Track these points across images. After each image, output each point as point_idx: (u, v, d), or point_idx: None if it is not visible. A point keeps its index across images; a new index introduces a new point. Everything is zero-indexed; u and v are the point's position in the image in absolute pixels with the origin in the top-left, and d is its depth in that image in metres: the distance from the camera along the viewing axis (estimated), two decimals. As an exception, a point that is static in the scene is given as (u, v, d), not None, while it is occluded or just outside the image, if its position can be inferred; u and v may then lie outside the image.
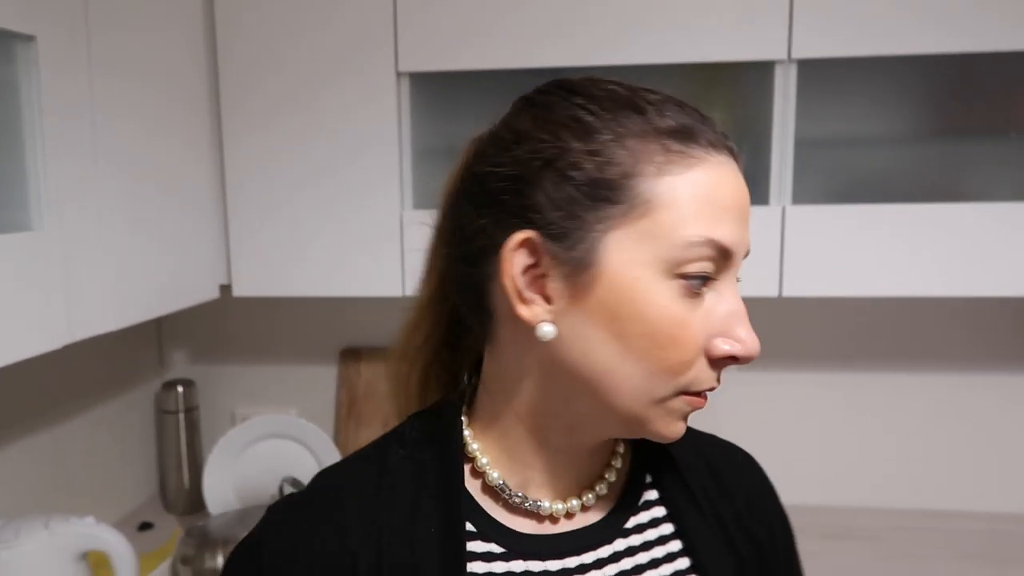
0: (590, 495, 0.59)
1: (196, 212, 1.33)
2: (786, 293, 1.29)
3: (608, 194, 0.50)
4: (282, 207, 1.37)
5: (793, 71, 1.26)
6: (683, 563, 0.59)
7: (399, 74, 1.32)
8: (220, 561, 1.34)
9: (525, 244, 0.52)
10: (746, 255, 0.54)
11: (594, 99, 0.53)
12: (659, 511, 0.61)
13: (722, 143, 0.53)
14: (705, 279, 0.51)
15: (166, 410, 1.69)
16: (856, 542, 1.56)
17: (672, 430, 0.54)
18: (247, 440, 1.54)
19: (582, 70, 1.24)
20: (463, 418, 0.60)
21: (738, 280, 0.54)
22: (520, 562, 0.56)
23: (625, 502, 0.60)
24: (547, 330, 0.51)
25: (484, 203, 0.54)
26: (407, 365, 0.64)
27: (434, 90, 1.36)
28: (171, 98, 1.26)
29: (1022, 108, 1.33)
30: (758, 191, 1.29)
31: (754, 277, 1.27)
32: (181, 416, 1.70)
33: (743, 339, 0.52)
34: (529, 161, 0.52)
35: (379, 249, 1.36)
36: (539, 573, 0.56)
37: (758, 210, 1.28)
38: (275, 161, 1.35)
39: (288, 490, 1.49)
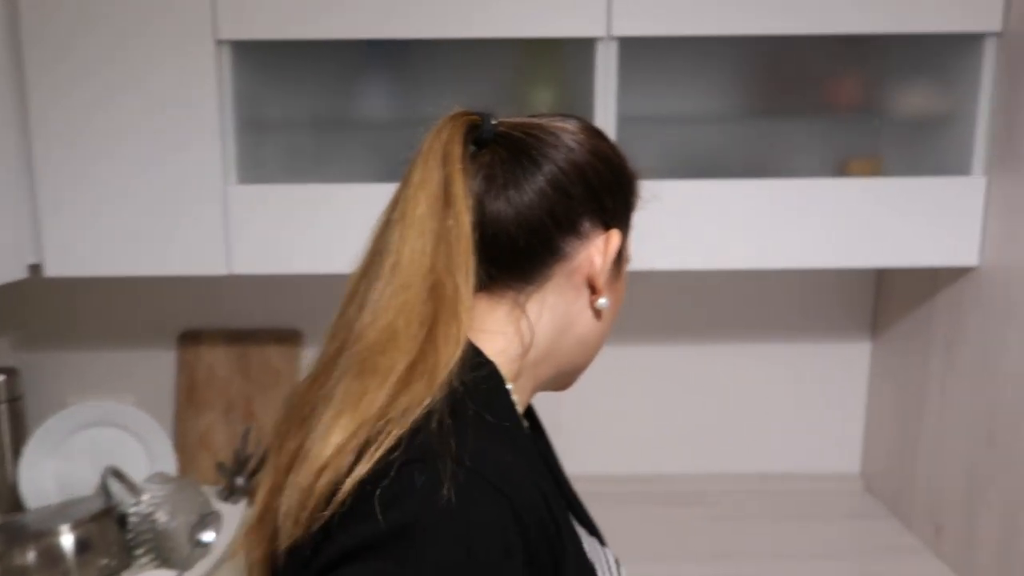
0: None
1: (-6, 185, 1.24)
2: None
3: (631, 213, 0.75)
4: (96, 182, 1.29)
5: (614, 48, 1.28)
6: None
7: (219, 42, 1.27)
8: (32, 557, 1.27)
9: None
10: None
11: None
12: None
13: None
14: None
15: (-15, 400, 1.58)
16: (691, 507, 1.64)
17: None
18: (68, 429, 1.46)
19: (406, 43, 1.24)
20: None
21: None
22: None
23: None
24: (604, 302, 0.71)
25: (582, 193, 0.68)
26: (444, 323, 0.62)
27: (263, 60, 1.32)
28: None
29: (834, 89, 1.41)
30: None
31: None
32: (3, 406, 1.59)
33: None
34: (620, 180, 0.72)
35: (202, 225, 1.31)
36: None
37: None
38: (88, 132, 1.28)
39: (112, 482, 1.42)
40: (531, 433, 0.76)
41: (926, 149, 1.43)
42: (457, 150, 0.65)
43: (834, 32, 1.27)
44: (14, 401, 1.60)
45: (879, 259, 1.35)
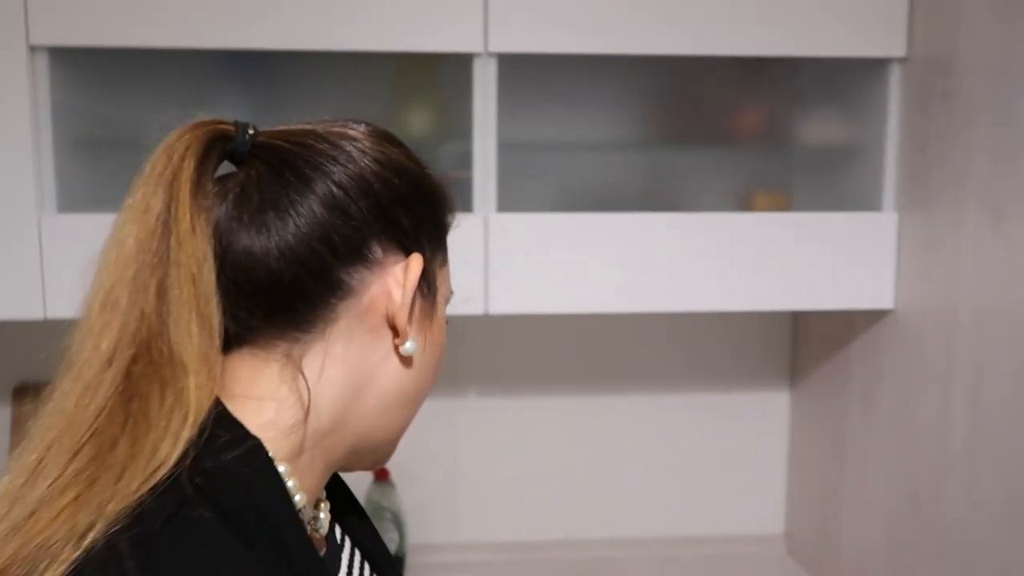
0: (322, 515, 0.60)
1: None
2: (492, 310, 1.18)
3: (442, 242, 0.60)
4: None
5: (493, 66, 1.15)
6: (358, 555, 0.64)
7: (32, 48, 1.09)
8: None
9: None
10: None
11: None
12: (338, 528, 0.64)
13: None
14: None
15: None
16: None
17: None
18: None
19: (266, 56, 1.08)
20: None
21: None
22: None
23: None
24: (410, 346, 0.55)
25: (368, 209, 0.53)
26: (197, 391, 0.47)
27: (89, 69, 1.15)
28: None
29: (739, 116, 1.31)
30: (462, 197, 1.17)
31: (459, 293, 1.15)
32: None
33: None
34: (418, 194, 0.56)
35: (11, 261, 1.11)
36: None
37: (461, 219, 1.16)
38: None
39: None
40: (324, 530, 0.60)
41: (835, 182, 1.33)
42: (188, 167, 0.49)
43: (735, 54, 1.17)
44: None
45: (790, 302, 1.24)
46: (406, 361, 0.56)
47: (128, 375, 0.46)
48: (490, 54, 1.14)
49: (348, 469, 0.60)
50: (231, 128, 0.52)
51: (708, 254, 1.19)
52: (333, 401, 0.54)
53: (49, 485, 0.42)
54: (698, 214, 1.19)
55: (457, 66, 1.16)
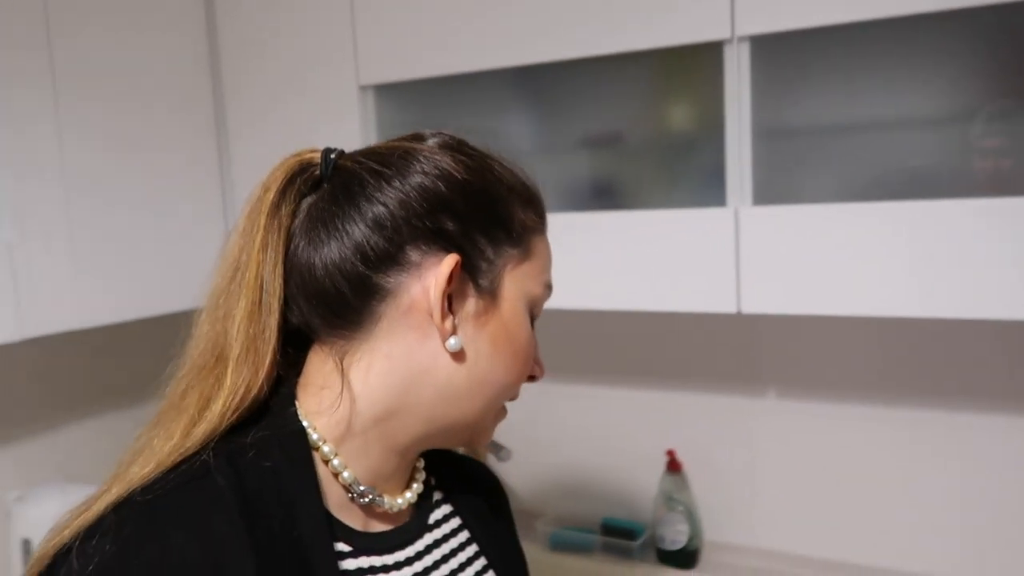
0: (409, 493, 0.67)
1: (195, 216, 1.48)
2: (745, 309, 1.10)
3: (512, 240, 0.63)
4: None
5: (745, 50, 1.07)
6: (472, 549, 0.72)
7: (362, 87, 1.35)
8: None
9: (458, 266, 0.60)
10: None
11: (502, 164, 0.65)
12: (448, 508, 0.72)
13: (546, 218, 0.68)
14: (537, 314, 0.66)
15: None
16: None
17: (489, 437, 0.68)
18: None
19: (545, 67, 1.16)
20: (306, 422, 0.61)
21: None
22: (364, 558, 0.62)
23: (424, 504, 0.70)
24: (455, 342, 0.60)
25: (404, 219, 0.59)
26: (251, 380, 0.59)
27: (402, 102, 1.37)
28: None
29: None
30: (715, 191, 1.12)
31: (706, 289, 1.11)
32: None
33: (543, 365, 0.69)
34: (468, 199, 0.61)
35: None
36: (379, 567, 0.63)
37: (712, 212, 1.11)
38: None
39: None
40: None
41: None
42: (270, 195, 0.61)
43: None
44: None
45: None
46: (457, 356, 0.60)
47: (199, 368, 0.59)
48: (740, 38, 1.07)
49: (437, 447, 0.67)
50: (316, 157, 0.63)
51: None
52: (382, 393, 0.60)
53: (140, 444, 0.58)
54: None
55: (710, 55, 1.10)
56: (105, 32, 1.31)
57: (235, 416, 0.58)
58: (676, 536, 1.43)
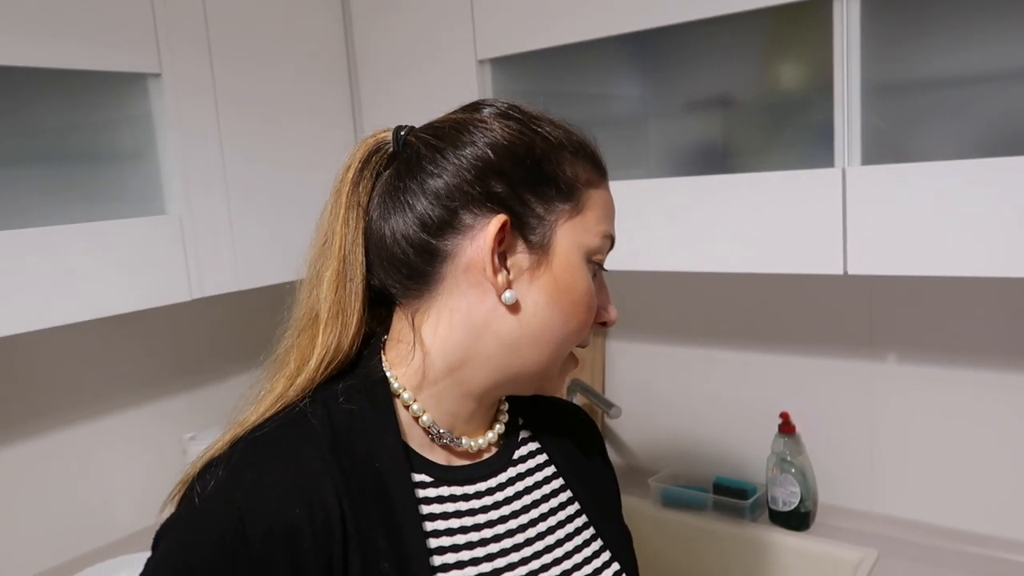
0: (490, 434, 0.74)
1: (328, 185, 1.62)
2: (852, 271, 1.09)
3: (562, 195, 0.67)
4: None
5: (856, 4, 1.05)
6: (558, 482, 0.77)
7: (480, 62, 1.43)
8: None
9: (506, 225, 0.65)
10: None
11: (552, 123, 0.69)
12: (534, 446, 0.78)
13: (606, 171, 0.72)
14: (601, 264, 0.70)
15: None
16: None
17: (562, 380, 0.73)
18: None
19: (653, 32, 1.19)
20: (389, 372, 0.70)
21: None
22: (445, 487, 0.69)
23: (509, 442, 0.76)
24: (509, 295, 0.65)
25: (453, 185, 0.66)
26: (342, 336, 0.69)
27: (516, 73, 1.44)
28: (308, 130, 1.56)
29: None
30: (823, 150, 1.11)
31: (813, 249, 1.12)
32: None
33: (612, 312, 0.72)
34: (515, 161, 0.66)
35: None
36: (460, 495, 0.70)
37: (819, 173, 1.10)
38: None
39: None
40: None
41: None
42: (349, 174, 0.70)
43: None
44: None
45: None
46: (513, 308, 0.66)
47: (299, 329, 0.70)
48: (849, -8, 1.05)
49: (511, 393, 0.73)
50: (389, 135, 0.71)
51: None
52: (451, 344, 0.67)
53: (253, 394, 0.70)
54: None
55: (818, 12, 1.09)
56: (257, 17, 1.45)
57: (329, 369, 0.68)
58: (788, 497, 1.43)
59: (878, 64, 1.07)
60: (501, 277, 0.65)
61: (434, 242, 0.66)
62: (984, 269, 1.01)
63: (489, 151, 0.66)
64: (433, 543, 0.66)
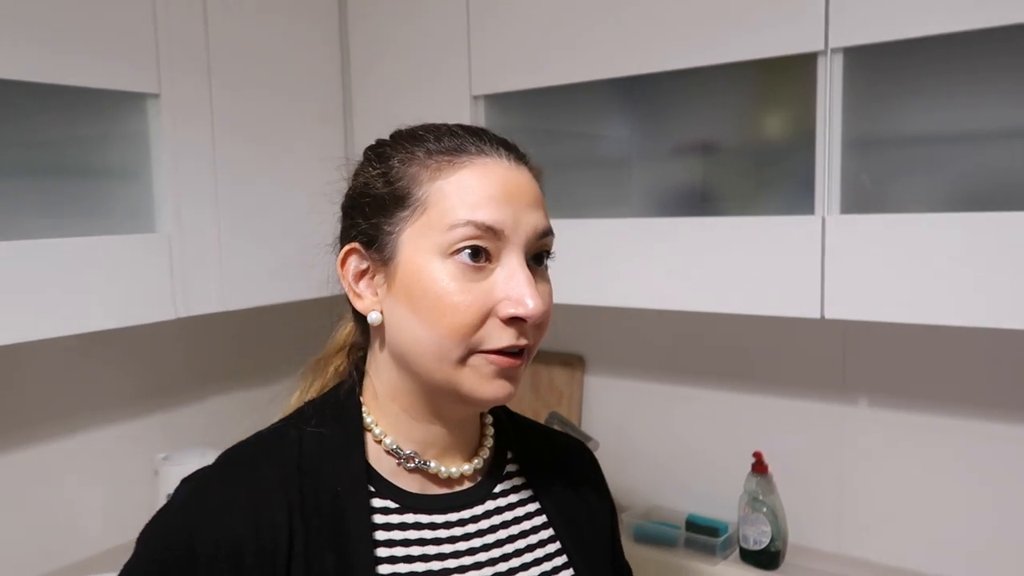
0: (467, 466, 0.72)
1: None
2: (829, 315, 1.13)
3: (398, 202, 0.66)
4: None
5: (838, 62, 1.10)
6: (540, 520, 0.75)
7: (474, 97, 1.46)
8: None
9: (352, 253, 0.69)
10: (544, 235, 0.67)
11: (397, 138, 0.71)
12: (520, 481, 0.77)
13: (492, 147, 0.67)
14: (482, 254, 0.63)
15: None
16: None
17: (488, 390, 0.65)
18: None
19: (644, 77, 1.23)
20: (359, 397, 0.73)
21: (548, 257, 0.69)
22: (411, 515, 0.69)
23: (493, 473, 0.75)
24: (374, 316, 0.67)
25: (343, 227, 0.73)
26: (324, 363, 0.79)
27: (509, 110, 1.47)
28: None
29: None
30: (804, 200, 1.15)
31: (790, 293, 1.15)
32: None
33: (524, 302, 0.63)
34: (353, 189, 0.72)
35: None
36: (427, 524, 0.69)
37: (800, 220, 1.15)
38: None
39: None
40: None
41: None
42: None
43: None
44: None
45: None
46: (381, 327, 0.69)
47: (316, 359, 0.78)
48: (833, 50, 1.10)
49: (452, 406, 0.70)
50: None
51: None
52: (375, 370, 0.72)
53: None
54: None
55: (803, 66, 1.14)
56: (258, 45, 1.48)
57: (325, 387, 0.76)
58: (759, 536, 1.46)
59: (859, 119, 1.12)
60: (363, 302, 0.69)
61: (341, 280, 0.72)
62: (954, 318, 1.05)
63: (348, 191, 0.73)
64: (387, 569, 0.65)
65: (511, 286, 0.63)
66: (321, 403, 0.72)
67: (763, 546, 1.45)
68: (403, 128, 0.72)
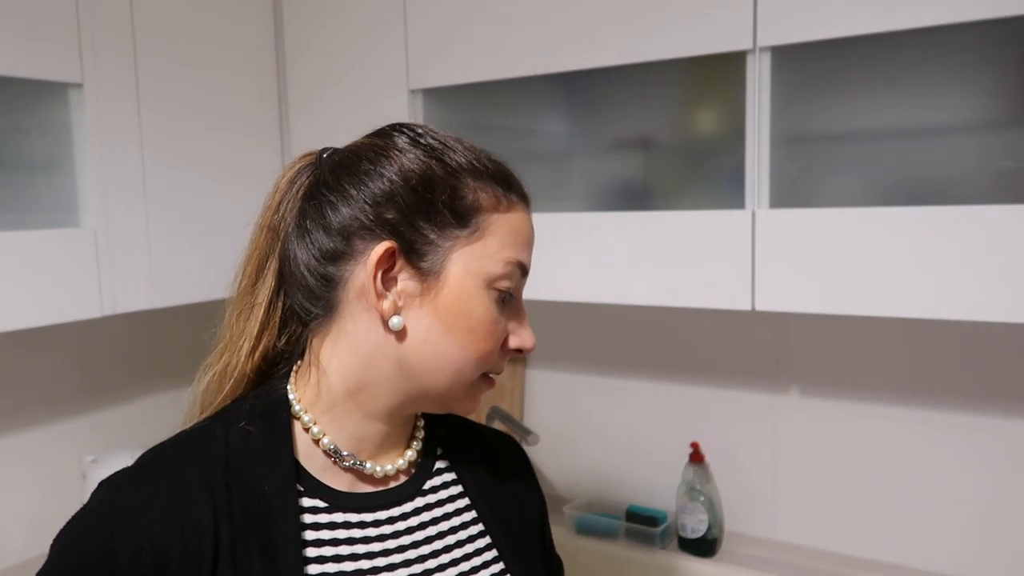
0: (400, 460, 0.73)
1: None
2: (759, 307, 1.16)
3: (459, 221, 0.66)
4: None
5: (766, 61, 1.13)
6: (469, 515, 0.76)
7: (412, 91, 1.45)
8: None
9: (388, 252, 0.65)
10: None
11: (460, 150, 0.68)
12: (449, 476, 0.77)
13: (525, 196, 0.71)
14: (510, 292, 0.68)
15: None
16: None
17: (473, 404, 0.72)
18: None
19: (582, 74, 1.24)
20: (293, 394, 0.70)
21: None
22: (340, 514, 0.68)
23: (422, 470, 0.75)
24: (396, 321, 0.66)
25: (349, 215, 0.67)
26: (237, 356, 0.72)
27: (447, 104, 1.47)
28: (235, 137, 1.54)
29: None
30: (734, 194, 1.18)
31: (722, 286, 1.18)
32: None
33: (529, 339, 0.70)
34: (409, 188, 0.66)
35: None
36: (355, 523, 0.68)
37: (730, 214, 1.17)
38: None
39: None
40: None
41: None
42: (277, 195, 0.72)
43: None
44: None
45: None
46: (401, 334, 0.66)
47: (218, 349, 0.73)
48: (762, 49, 1.13)
49: (421, 411, 0.74)
50: (315, 157, 0.72)
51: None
52: (349, 367, 0.68)
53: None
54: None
55: (733, 64, 1.16)
56: (187, 29, 1.44)
57: (232, 390, 0.71)
58: (696, 525, 1.48)
59: (787, 116, 1.15)
60: (387, 303, 0.66)
61: (330, 268, 0.68)
62: (880, 309, 1.09)
63: (387, 180, 0.66)
64: (316, 569, 0.65)
65: (520, 323, 0.70)
66: (249, 401, 0.70)
67: (700, 534, 1.48)
68: (461, 140, 0.70)
